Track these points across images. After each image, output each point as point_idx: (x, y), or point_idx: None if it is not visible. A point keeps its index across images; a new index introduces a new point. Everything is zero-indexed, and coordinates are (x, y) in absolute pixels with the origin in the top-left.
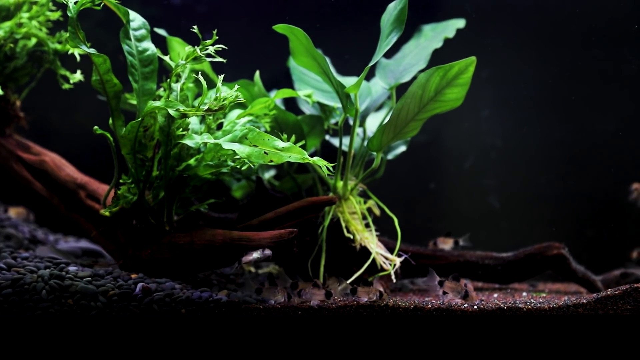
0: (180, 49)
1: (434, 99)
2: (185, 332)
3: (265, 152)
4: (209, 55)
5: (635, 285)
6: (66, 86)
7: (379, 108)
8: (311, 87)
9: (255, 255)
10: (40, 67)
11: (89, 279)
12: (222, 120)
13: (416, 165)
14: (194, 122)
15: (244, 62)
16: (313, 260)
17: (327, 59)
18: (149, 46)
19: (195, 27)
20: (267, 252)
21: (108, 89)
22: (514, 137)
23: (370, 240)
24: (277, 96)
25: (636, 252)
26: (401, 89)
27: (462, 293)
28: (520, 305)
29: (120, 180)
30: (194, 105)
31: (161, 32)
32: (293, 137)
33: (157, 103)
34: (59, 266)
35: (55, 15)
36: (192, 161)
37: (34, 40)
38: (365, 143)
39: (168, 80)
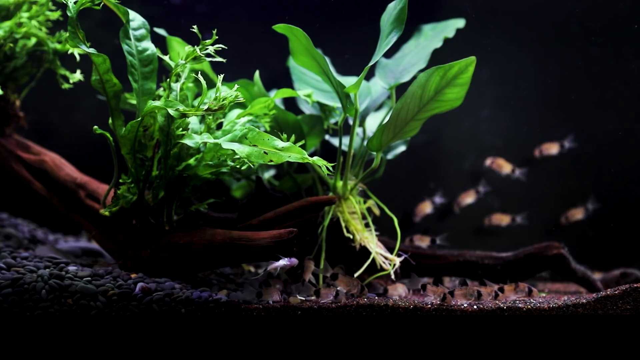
0: (180, 49)
1: (434, 99)
2: (185, 332)
3: (264, 152)
4: (208, 55)
5: (635, 285)
6: (66, 86)
7: (379, 108)
8: (311, 87)
9: (282, 262)
10: (40, 67)
11: (89, 278)
12: (222, 120)
13: (416, 165)
14: (193, 121)
15: (244, 62)
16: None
17: (327, 59)
18: (149, 46)
19: (195, 27)
20: (294, 260)
21: (108, 88)
22: (514, 137)
23: (370, 240)
24: (276, 96)
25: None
26: (401, 89)
27: (474, 295)
28: (520, 305)
29: (120, 180)
30: (194, 105)
31: (161, 31)
32: (293, 137)
33: (157, 103)
34: (59, 266)
35: (55, 15)
36: (191, 161)
37: (33, 40)
38: (365, 143)
39: (168, 80)
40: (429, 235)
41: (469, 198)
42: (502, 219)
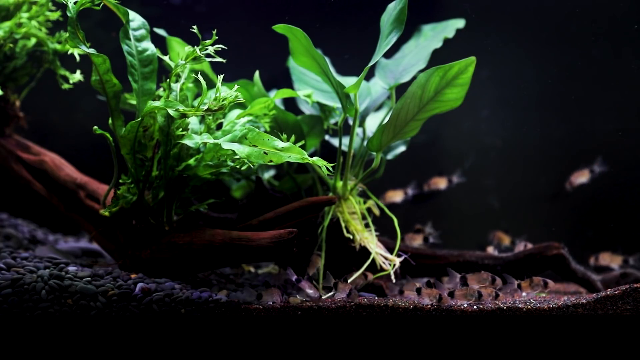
0: (179, 49)
1: (434, 99)
2: (185, 332)
3: (264, 152)
4: (208, 55)
5: (635, 285)
6: (66, 86)
7: (379, 108)
8: (311, 87)
9: (309, 292)
10: (40, 67)
11: (89, 279)
12: (222, 120)
13: (416, 165)
14: (193, 122)
15: (243, 62)
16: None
17: (327, 59)
18: (149, 46)
19: (195, 27)
20: (317, 295)
21: (108, 89)
22: (514, 137)
23: (369, 240)
24: (276, 96)
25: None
26: (401, 89)
27: (475, 296)
28: (519, 305)
29: (120, 180)
30: (194, 105)
31: (161, 32)
32: (293, 137)
33: (157, 103)
34: (59, 266)
35: (55, 15)
36: (191, 161)
37: (33, 40)
38: (365, 143)
39: (168, 80)
40: (420, 233)
41: (582, 178)
42: (415, 239)
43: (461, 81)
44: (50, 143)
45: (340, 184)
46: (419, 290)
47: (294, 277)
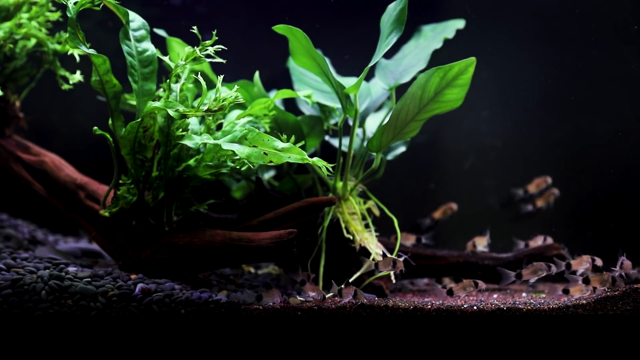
0: (179, 50)
1: (434, 100)
2: (185, 333)
3: (264, 153)
4: (208, 56)
5: (635, 286)
6: (66, 87)
7: (379, 108)
8: (311, 88)
9: (312, 293)
10: (40, 68)
11: (89, 279)
12: (222, 120)
13: (416, 165)
14: (193, 122)
15: (243, 62)
16: (313, 261)
17: (327, 60)
18: (149, 47)
19: (195, 27)
20: (318, 297)
21: (108, 89)
22: (513, 137)
23: (369, 240)
24: (276, 97)
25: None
26: (401, 90)
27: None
28: (520, 305)
29: (120, 181)
30: (194, 105)
31: (161, 32)
32: (293, 138)
33: (157, 104)
34: (59, 267)
35: (55, 16)
36: (191, 162)
37: (33, 41)
38: (365, 143)
39: (168, 80)
40: (414, 234)
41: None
42: (408, 238)
43: (461, 82)
44: (50, 143)
45: (340, 184)
46: (450, 292)
47: (300, 279)
